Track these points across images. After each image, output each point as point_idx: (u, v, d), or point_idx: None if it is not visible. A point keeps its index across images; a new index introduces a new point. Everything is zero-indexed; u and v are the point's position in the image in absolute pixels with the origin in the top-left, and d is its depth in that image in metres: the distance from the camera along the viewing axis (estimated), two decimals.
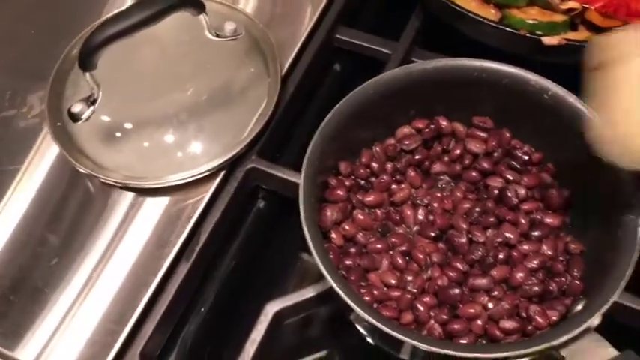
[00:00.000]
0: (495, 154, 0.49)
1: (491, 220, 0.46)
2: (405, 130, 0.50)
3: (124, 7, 0.61)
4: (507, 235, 0.45)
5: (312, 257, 0.42)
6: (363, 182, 0.49)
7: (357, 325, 0.48)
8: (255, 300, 0.51)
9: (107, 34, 0.48)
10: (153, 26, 0.50)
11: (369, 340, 0.49)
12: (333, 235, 0.46)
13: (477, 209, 0.46)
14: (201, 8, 0.52)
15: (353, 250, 0.46)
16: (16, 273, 0.51)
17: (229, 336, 0.53)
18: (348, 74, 0.67)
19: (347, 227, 0.47)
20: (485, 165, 0.48)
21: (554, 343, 0.37)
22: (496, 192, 0.47)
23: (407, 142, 0.49)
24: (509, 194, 0.46)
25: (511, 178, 0.47)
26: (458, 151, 0.49)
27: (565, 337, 0.37)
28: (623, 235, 0.41)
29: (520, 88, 0.46)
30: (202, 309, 0.54)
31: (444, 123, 0.50)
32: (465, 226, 0.45)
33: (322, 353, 0.55)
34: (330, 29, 0.62)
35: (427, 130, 0.50)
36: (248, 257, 0.57)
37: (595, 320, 0.39)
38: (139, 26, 0.49)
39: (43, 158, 0.56)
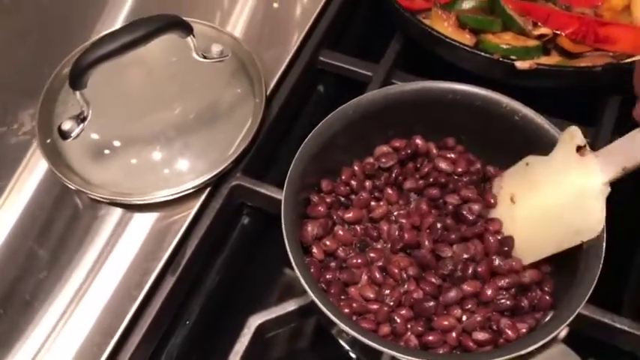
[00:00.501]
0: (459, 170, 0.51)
1: (453, 237, 0.47)
2: (384, 148, 0.52)
3: (113, 29, 0.64)
4: (473, 252, 0.47)
5: (294, 272, 0.43)
6: (343, 199, 0.51)
7: (339, 339, 0.50)
8: (239, 313, 0.52)
9: (97, 54, 0.49)
10: (142, 47, 0.51)
11: (351, 353, 0.51)
12: (314, 250, 0.48)
13: (439, 225, 0.48)
14: (189, 31, 0.54)
15: (333, 264, 0.48)
16: (4, 286, 0.52)
17: (214, 349, 0.54)
18: (332, 95, 0.69)
19: (327, 242, 0.48)
20: (444, 181, 0.50)
21: (522, 352, 0.39)
22: (451, 208, 0.49)
23: (384, 160, 0.51)
24: (464, 212, 0.48)
25: (470, 195, 0.49)
26: (426, 169, 0.51)
27: (532, 347, 0.39)
28: (589, 250, 0.43)
29: (493, 109, 0.49)
30: (188, 322, 0.55)
31: (419, 142, 0.52)
32: (427, 242, 0.47)
33: None
34: (313, 52, 0.64)
35: (404, 149, 0.52)
36: (233, 272, 0.59)
37: (562, 332, 0.41)
38: (128, 47, 0.50)
39: (32, 173, 0.57)
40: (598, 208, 0.43)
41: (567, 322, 0.39)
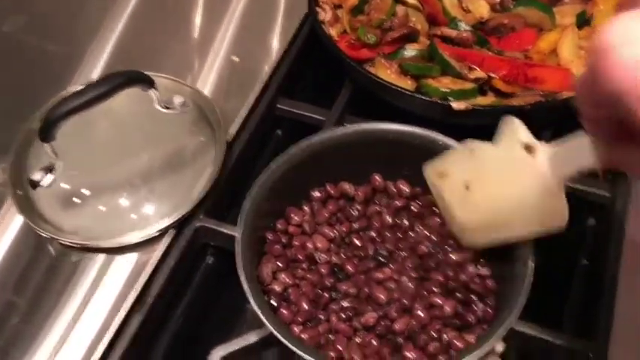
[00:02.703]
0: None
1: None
2: (346, 185, 0.56)
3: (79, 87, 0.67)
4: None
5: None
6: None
7: None
8: (205, 349, 0.54)
9: (66, 108, 0.53)
10: (107, 101, 0.55)
11: None
12: (274, 286, 0.51)
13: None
14: (150, 84, 0.58)
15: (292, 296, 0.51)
16: None
17: None
18: (290, 139, 0.72)
19: (285, 277, 0.51)
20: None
21: None
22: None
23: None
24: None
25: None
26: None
27: None
28: (520, 269, 0.47)
29: (430, 146, 0.53)
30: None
31: (378, 179, 0.56)
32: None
33: None
34: (271, 100, 0.69)
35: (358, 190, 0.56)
36: (199, 309, 0.62)
37: (498, 346, 0.44)
38: (95, 101, 0.54)
39: (8, 226, 0.60)
40: (560, 203, 0.44)
41: (497, 338, 0.43)
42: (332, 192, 0.56)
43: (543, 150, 0.43)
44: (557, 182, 0.43)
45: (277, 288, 0.51)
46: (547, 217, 0.45)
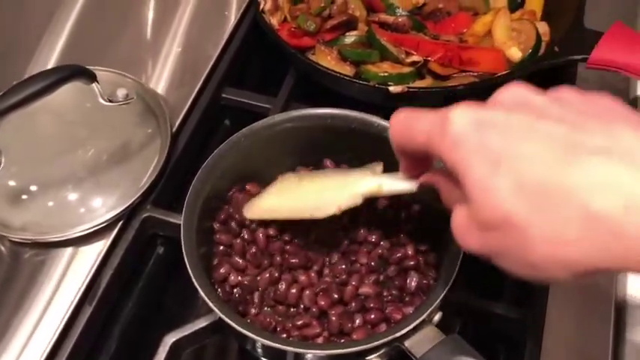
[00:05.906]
0: None
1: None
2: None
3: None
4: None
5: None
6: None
7: (253, 352, 0.54)
8: (158, 336, 0.55)
9: (5, 104, 0.53)
10: (51, 95, 0.56)
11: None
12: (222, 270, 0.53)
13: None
14: (92, 78, 0.58)
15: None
16: None
17: None
18: (238, 128, 0.74)
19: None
20: None
21: (397, 335, 0.44)
22: None
23: None
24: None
25: None
26: None
27: (404, 330, 0.44)
28: (454, 249, 0.49)
29: (367, 129, 0.55)
30: (108, 349, 0.59)
31: (328, 164, 0.58)
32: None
33: None
34: (216, 89, 0.70)
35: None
36: (150, 299, 0.63)
37: (434, 316, 0.47)
38: (35, 97, 0.54)
39: None
40: (341, 202, 0.49)
41: (432, 307, 0.45)
42: None
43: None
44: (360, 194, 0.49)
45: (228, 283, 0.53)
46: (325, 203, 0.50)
